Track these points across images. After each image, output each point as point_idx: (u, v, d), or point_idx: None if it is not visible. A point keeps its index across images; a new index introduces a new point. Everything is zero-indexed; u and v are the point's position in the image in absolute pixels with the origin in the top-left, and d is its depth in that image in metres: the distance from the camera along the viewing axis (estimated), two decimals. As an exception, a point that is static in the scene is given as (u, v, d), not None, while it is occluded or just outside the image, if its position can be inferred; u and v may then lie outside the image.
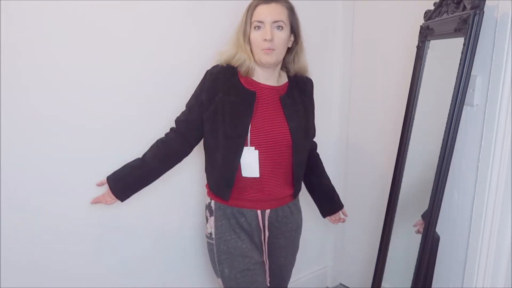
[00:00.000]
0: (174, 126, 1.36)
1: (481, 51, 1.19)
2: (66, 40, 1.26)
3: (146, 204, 1.52)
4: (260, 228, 1.34)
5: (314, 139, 1.56)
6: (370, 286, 1.66)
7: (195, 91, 1.33)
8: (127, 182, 1.32)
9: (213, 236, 1.33)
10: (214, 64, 1.31)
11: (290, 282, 2.06)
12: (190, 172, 1.60)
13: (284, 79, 1.36)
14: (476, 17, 1.11)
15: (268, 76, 1.30)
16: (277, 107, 1.30)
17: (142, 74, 1.43)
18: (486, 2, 1.13)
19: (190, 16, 1.49)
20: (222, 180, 1.29)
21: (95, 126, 1.37)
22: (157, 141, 1.35)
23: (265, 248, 1.37)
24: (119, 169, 1.32)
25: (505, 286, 1.27)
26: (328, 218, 1.60)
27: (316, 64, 1.96)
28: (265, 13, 1.22)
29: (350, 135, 2.09)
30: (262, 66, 1.28)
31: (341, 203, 1.60)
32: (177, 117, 1.36)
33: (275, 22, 1.23)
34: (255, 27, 1.23)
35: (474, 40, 1.12)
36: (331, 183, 1.57)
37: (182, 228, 1.65)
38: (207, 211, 1.37)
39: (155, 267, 1.61)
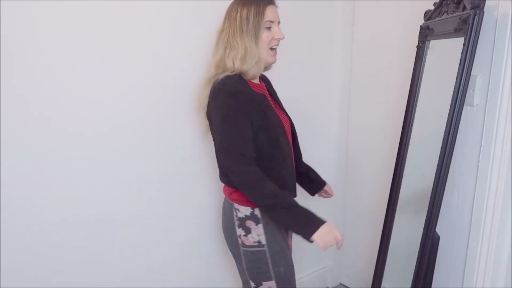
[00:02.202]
0: (246, 161, 1.20)
1: (481, 51, 1.19)
2: (70, 41, 1.26)
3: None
4: None
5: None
6: (370, 286, 1.66)
7: (230, 113, 1.20)
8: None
9: (264, 242, 1.30)
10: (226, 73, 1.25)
11: (290, 282, 2.07)
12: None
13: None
14: (476, 17, 1.11)
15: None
16: (273, 102, 1.37)
17: (146, 74, 1.42)
18: (486, 2, 1.13)
19: (194, 16, 1.48)
20: (288, 181, 1.32)
21: (98, 127, 1.36)
22: (262, 178, 1.20)
23: (291, 242, 1.45)
24: (305, 210, 1.20)
25: (505, 286, 1.27)
26: (318, 195, 1.63)
27: (316, 64, 1.96)
28: (274, 13, 1.27)
29: (350, 135, 2.09)
30: (267, 66, 1.33)
31: (323, 180, 1.62)
32: (240, 152, 1.19)
33: (279, 22, 1.29)
34: (266, 28, 1.26)
35: (474, 40, 1.12)
36: (308, 166, 1.59)
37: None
38: (249, 221, 1.30)
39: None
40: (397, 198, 1.54)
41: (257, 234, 1.30)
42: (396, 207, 1.55)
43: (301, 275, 2.13)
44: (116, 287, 1.50)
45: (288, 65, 1.82)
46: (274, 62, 1.31)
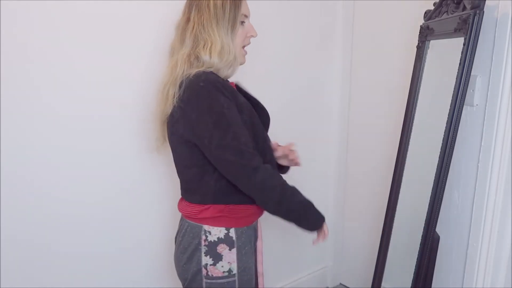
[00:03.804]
0: (253, 161, 1.05)
1: (481, 51, 1.19)
2: (73, 38, 1.27)
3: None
4: (257, 237, 1.25)
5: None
6: (370, 286, 1.66)
7: (221, 109, 1.02)
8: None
9: (235, 271, 1.12)
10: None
11: (290, 282, 2.07)
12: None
13: None
14: (476, 17, 1.11)
15: None
16: None
17: (149, 73, 1.42)
18: (486, 2, 1.13)
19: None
20: None
21: (99, 121, 1.37)
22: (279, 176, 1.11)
23: (260, 258, 1.28)
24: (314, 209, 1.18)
25: (505, 286, 1.27)
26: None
27: (316, 64, 1.96)
28: (247, 7, 1.13)
29: (350, 135, 2.09)
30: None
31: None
32: (248, 153, 1.03)
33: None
34: (241, 22, 1.11)
35: (474, 40, 1.12)
36: None
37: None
38: (221, 245, 1.11)
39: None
40: (397, 198, 1.54)
41: (229, 261, 1.12)
42: (396, 207, 1.55)
43: (301, 275, 2.13)
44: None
45: (287, 64, 1.82)
46: (243, 63, 1.16)
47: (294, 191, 1.12)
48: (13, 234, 1.28)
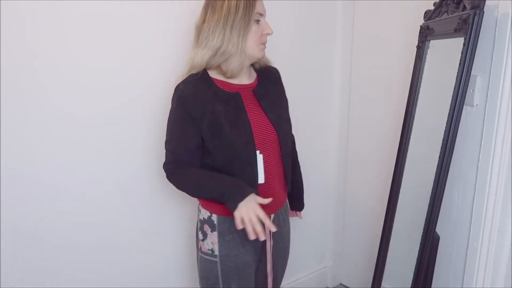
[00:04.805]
0: (170, 168, 1.22)
1: (481, 51, 1.19)
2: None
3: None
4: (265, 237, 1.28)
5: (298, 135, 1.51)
6: (370, 286, 1.66)
7: (175, 118, 1.18)
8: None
9: (216, 253, 1.23)
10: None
11: (290, 282, 2.07)
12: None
13: (254, 75, 1.29)
14: (476, 17, 1.11)
15: (242, 75, 1.23)
16: (255, 102, 1.24)
17: (150, 74, 1.43)
18: (486, 2, 1.13)
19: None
20: None
21: (101, 121, 1.37)
22: (186, 175, 1.21)
23: (269, 257, 1.31)
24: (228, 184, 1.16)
25: (505, 286, 1.27)
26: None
27: (316, 64, 1.96)
28: (263, 5, 1.18)
29: (350, 135, 2.09)
30: (253, 62, 1.24)
31: (303, 204, 1.49)
32: (171, 158, 1.21)
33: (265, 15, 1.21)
34: (255, 20, 1.16)
35: (474, 40, 1.12)
36: (302, 180, 1.47)
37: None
38: (205, 225, 1.24)
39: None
40: (397, 198, 1.54)
41: (212, 242, 1.23)
42: (396, 207, 1.55)
43: (301, 275, 2.13)
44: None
45: (288, 65, 1.81)
46: (262, 57, 1.23)
47: (206, 186, 1.18)
48: (13, 234, 1.28)
